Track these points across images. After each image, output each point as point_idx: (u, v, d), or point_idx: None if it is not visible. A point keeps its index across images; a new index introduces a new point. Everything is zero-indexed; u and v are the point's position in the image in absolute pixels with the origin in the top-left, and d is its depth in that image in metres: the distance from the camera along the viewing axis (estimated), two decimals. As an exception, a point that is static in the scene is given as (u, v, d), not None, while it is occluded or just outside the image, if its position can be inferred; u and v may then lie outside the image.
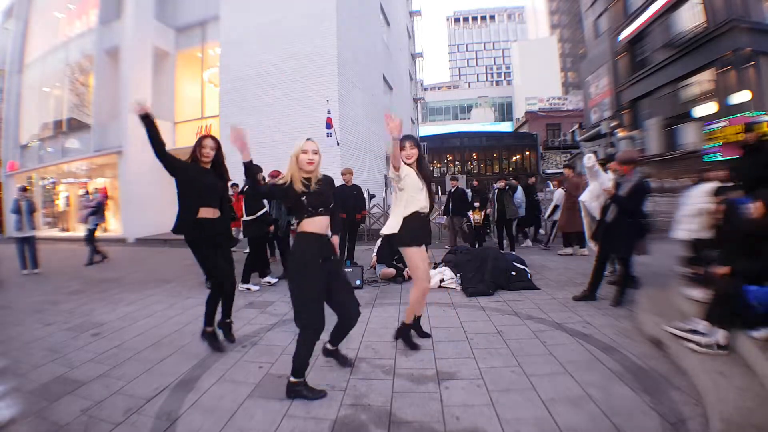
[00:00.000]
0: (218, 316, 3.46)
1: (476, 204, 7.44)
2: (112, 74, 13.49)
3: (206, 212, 3.19)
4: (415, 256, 3.15)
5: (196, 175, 3.20)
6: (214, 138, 3.32)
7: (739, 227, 3.14)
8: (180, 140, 13.97)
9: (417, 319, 3.38)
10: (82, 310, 4.81)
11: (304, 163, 2.51)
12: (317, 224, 2.53)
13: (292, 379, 2.48)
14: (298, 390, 2.46)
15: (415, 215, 3.10)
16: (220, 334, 3.47)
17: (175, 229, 3.19)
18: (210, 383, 2.72)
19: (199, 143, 3.25)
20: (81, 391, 2.68)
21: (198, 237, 3.19)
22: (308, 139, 2.55)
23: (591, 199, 5.03)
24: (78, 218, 8.18)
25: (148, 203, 12.41)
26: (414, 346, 3.21)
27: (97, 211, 8.52)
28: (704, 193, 4.19)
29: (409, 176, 3.10)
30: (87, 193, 9.14)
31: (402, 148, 3.08)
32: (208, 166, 3.30)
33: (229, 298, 3.44)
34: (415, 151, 3.16)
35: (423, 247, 3.24)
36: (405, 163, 3.12)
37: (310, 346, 2.47)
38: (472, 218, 7.37)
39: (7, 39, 19.33)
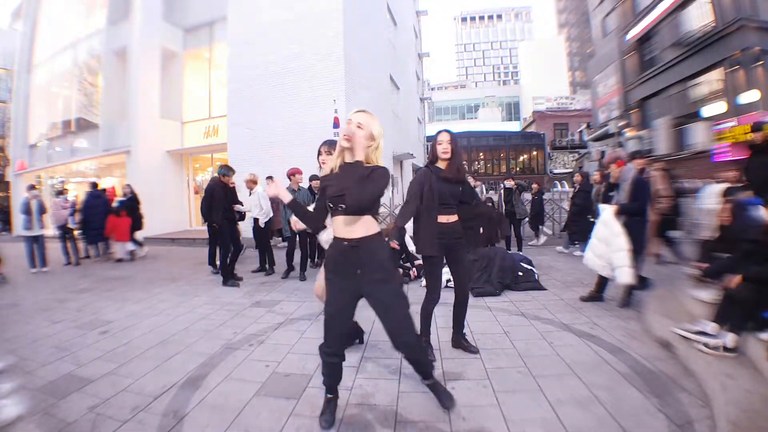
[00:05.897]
0: None
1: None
2: (121, 74, 13.59)
3: None
4: None
5: None
6: None
7: (750, 231, 3.07)
8: (188, 140, 14.09)
9: None
10: (90, 308, 4.85)
11: None
12: None
13: None
14: None
15: None
16: None
17: None
18: (217, 381, 2.74)
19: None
20: (88, 388, 2.70)
21: None
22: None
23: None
24: (57, 219, 8.20)
25: (155, 203, 12.43)
26: None
27: (74, 211, 8.78)
28: (714, 194, 4.16)
29: None
30: (60, 193, 9.14)
31: (319, 153, 2.95)
32: None
33: None
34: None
35: None
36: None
37: None
38: None
39: (15, 39, 19.50)
